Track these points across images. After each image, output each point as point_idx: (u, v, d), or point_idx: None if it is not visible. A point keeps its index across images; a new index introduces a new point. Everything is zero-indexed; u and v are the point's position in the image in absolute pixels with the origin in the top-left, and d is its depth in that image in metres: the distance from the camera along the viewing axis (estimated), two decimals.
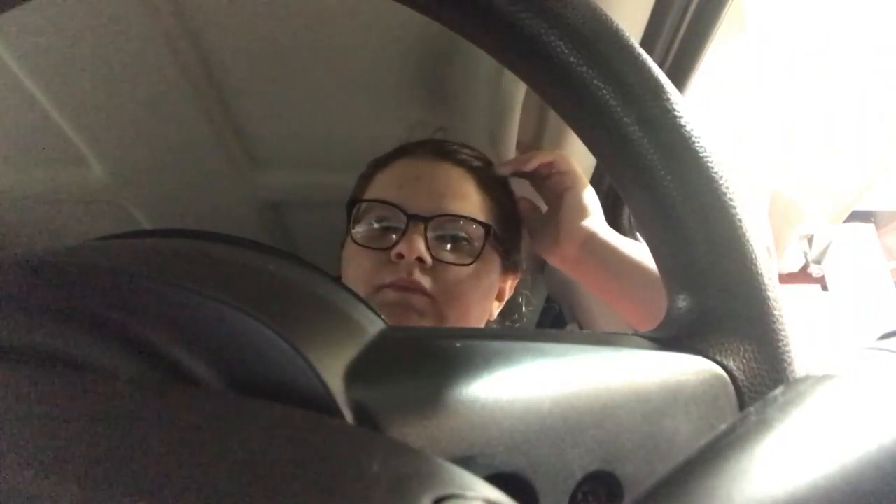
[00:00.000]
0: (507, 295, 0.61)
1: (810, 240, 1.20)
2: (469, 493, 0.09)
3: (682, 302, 0.21)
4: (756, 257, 0.20)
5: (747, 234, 0.20)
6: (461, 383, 0.15)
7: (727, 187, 0.20)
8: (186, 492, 0.08)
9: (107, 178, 0.76)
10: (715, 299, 0.20)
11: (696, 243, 0.20)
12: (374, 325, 0.17)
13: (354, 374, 0.14)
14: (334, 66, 0.60)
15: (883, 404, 0.12)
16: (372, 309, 0.18)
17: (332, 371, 0.13)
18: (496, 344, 0.17)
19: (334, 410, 0.13)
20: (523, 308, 0.64)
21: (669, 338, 0.20)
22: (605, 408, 0.16)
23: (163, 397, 0.11)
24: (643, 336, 0.20)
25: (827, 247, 1.19)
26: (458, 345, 0.16)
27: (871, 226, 1.23)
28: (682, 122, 0.20)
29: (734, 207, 0.20)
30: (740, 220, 0.20)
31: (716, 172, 0.20)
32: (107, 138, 0.70)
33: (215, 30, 0.55)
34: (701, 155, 0.20)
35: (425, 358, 0.16)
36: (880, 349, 0.19)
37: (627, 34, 0.20)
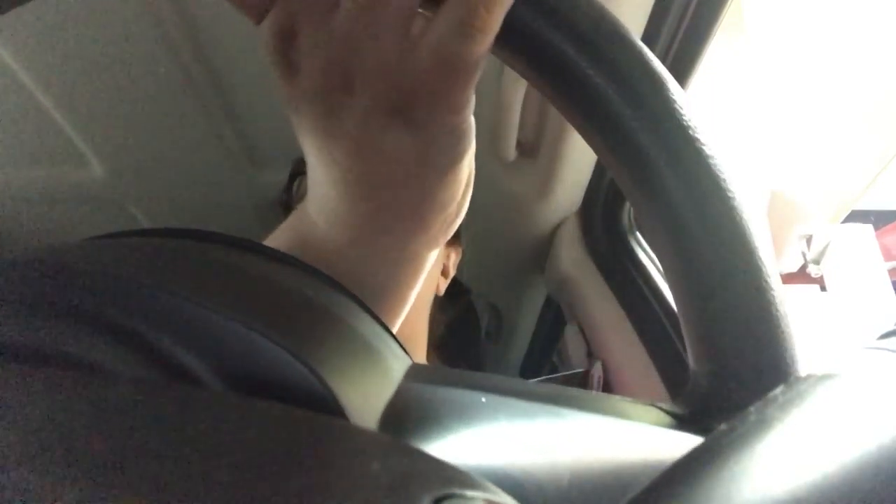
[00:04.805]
0: None
1: (809, 240, 1.21)
2: (469, 493, 0.09)
3: (705, 375, 0.20)
4: (786, 329, 0.19)
5: (776, 301, 0.19)
6: (484, 443, 0.15)
7: (754, 234, 0.19)
8: (186, 492, 0.08)
9: (107, 177, 0.76)
10: (736, 380, 0.19)
11: (718, 312, 0.19)
12: (401, 363, 0.17)
13: (386, 425, 0.14)
14: None
15: (883, 404, 0.12)
16: (395, 338, 0.18)
17: (367, 421, 0.14)
18: (520, 404, 0.16)
19: (335, 410, 0.13)
20: None
21: (691, 415, 0.19)
22: (624, 487, 0.16)
23: (163, 397, 0.11)
24: (665, 410, 0.20)
25: (825, 247, 1.20)
26: (483, 399, 0.16)
27: (869, 226, 1.24)
28: (700, 146, 0.19)
29: (767, 286, 0.19)
30: (770, 294, 0.19)
31: (738, 213, 0.19)
32: (107, 138, 0.70)
33: (215, 30, 0.55)
34: (721, 186, 0.19)
35: (451, 412, 0.16)
36: (880, 349, 0.19)
37: (638, 39, 0.20)
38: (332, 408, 0.13)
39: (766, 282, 0.19)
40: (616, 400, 0.19)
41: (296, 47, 0.19)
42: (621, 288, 0.75)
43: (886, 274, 1.21)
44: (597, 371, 0.78)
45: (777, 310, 0.19)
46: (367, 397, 0.14)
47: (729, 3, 0.47)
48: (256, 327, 0.13)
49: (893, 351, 0.19)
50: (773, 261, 0.19)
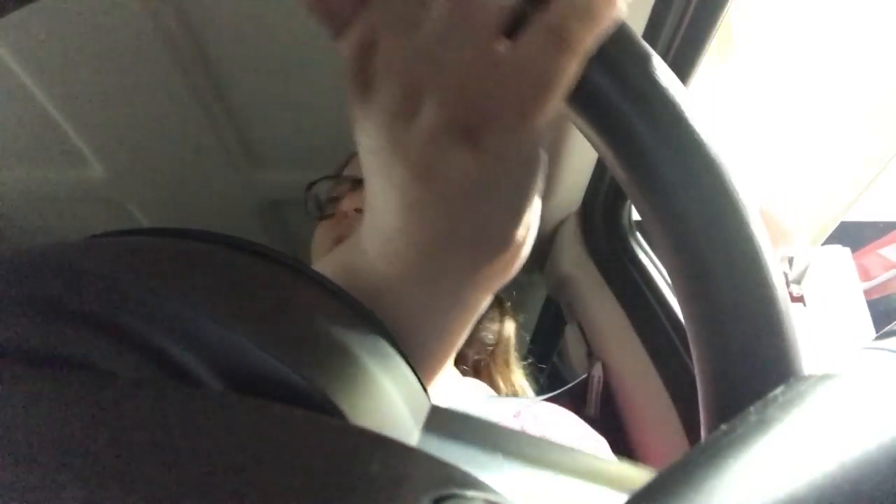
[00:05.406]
0: None
1: (790, 261, 1.26)
2: (469, 493, 0.09)
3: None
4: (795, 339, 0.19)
5: (786, 316, 0.19)
6: None
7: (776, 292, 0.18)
8: (187, 493, 0.08)
9: (107, 177, 0.76)
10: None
11: (737, 378, 0.19)
12: (423, 407, 0.17)
13: None
14: (334, 65, 0.60)
15: (883, 404, 0.12)
16: (415, 372, 0.18)
17: None
18: (543, 473, 0.16)
19: (334, 411, 0.13)
20: None
21: None
22: None
23: (163, 397, 0.11)
24: None
25: (806, 268, 1.25)
26: (502, 459, 0.16)
27: (847, 249, 1.31)
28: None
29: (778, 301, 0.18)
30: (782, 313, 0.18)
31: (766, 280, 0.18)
32: (107, 138, 0.70)
33: (215, 30, 0.55)
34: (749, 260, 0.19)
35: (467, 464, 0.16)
36: (880, 349, 0.19)
37: (663, 63, 0.19)
38: (332, 412, 0.13)
39: (777, 297, 0.19)
40: (620, 468, 0.18)
41: (373, 63, 0.19)
42: (621, 288, 0.75)
43: (861, 294, 1.28)
44: (597, 371, 0.78)
45: (786, 324, 0.19)
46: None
47: (729, 3, 0.47)
48: (255, 339, 0.13)
49: (893, 351, 0.19)
50: (780, 269, 0.19)
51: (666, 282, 0.72)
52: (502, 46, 0.18)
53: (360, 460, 0.10)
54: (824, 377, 0.13)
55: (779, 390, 0.13)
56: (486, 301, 0.25)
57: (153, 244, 0.17)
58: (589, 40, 0.18)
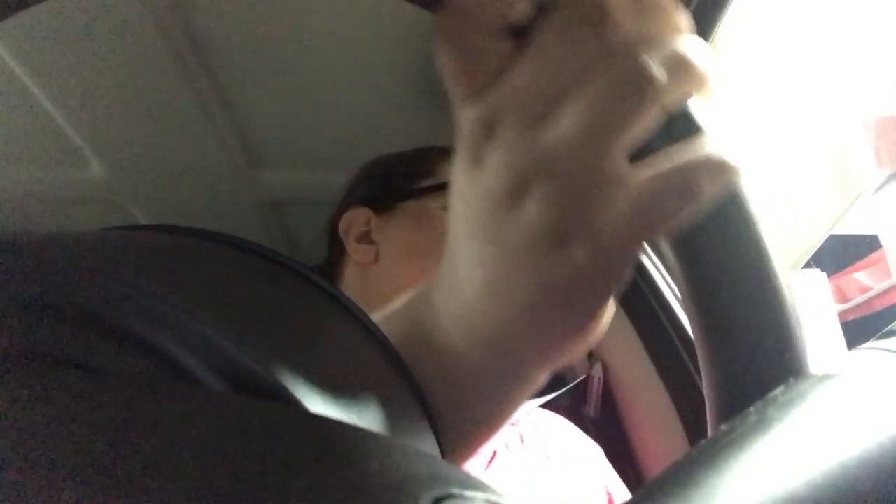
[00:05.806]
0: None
1: None
2: (469, 493, 0.09)
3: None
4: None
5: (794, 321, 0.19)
6: None
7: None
8: (186, 491, 0.08)
9: (107, 177, 0.76)
10: None
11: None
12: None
13: None
14: (335, 65, 0.60)
15: (883, 404, 0.12)
16: (427, 407, 0.18)
17: None
18: None
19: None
20: None
21: None
22: None
23: (162, 397, 0.11)
24: None
25: None
26: None
27: (824, 274, 1.38)
28: None
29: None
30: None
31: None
32: (106, 138, 0.70)
33: (215, 29, 0.55)
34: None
35: None
36: (880, 349, 0.19)
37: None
38: None
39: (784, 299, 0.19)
40: None
41: (490, 142, 0.19)
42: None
43: (836, 315, 1.37)
44: (597, 372, 0.78)
45: (793, 325, 0.19)
46: None
47: (729, 4, 0.47)
48: (246, 344, 0.13)
49: (893, 351, 0.19)
50: (783, 269, 0.19)
51: (666, 282, 0.72)
52: (624, 169, 0.18)
53: (361, 459, 0.10)
54: (824, 377, 0.13)
55: (779, 390, 0.13)
56: (544, 377, 0.25)
57: (154, 242, 0.17)
58: (714, 194, 0.18)
